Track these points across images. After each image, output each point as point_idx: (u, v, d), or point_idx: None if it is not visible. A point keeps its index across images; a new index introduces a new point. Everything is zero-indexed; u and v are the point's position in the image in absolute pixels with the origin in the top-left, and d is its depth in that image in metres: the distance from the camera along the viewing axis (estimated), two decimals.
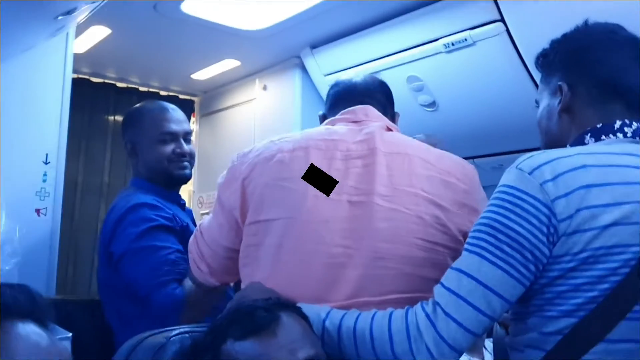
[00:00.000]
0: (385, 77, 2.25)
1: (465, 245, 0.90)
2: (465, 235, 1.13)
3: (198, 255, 1.25)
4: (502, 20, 1.77)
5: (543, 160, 0.88)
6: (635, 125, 0.97)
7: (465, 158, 2.36)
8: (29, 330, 0.58)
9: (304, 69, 2.55)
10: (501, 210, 0.87)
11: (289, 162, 1.09)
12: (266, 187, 1.09)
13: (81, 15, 1.53)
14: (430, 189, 1.09)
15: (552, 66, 1.06)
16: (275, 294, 0.99)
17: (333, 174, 1.07)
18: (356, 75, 1.34)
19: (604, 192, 0.84)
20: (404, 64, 2.12)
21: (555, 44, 1.06)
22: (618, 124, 0.97)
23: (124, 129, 1.75)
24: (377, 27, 2.13)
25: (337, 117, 1.22)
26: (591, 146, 0.95)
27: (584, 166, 0.86)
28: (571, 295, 0.85)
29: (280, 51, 2.51)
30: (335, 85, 1.33)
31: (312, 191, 1.05)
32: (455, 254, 1.10)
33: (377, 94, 1.30)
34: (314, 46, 2.41)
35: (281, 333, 0.84)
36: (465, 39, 1.87)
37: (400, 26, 2.05)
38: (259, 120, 2.82)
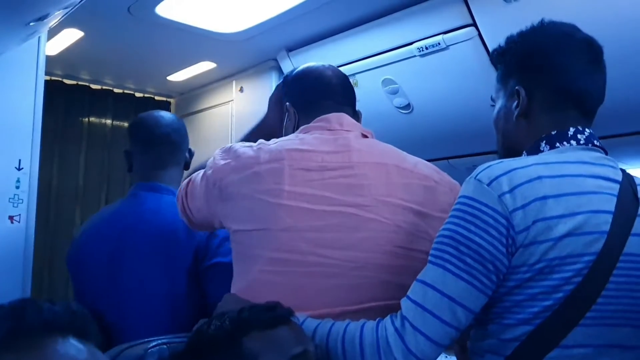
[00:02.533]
0: (360, 79, 2.28)
1: (430, 257, 0.91)
2: None
3: (184, 209, 1.31)
4: (475, 24, 1.80)
5: (500, 171, 0.89)
6: (587, 131, 0.99)
7: (441, 159, 2.43)
8: (67, 346, 0.58)
9: (280, 71, 2.55)
10: (462, 222, 0.88)
11: (265, 174, 1.09)
12: (243, 198, 1.09)
13: (54, 20, 1.51)
14: (409, 196, 1.10)
15: (509, 67, 1.06)
16: (250, 304, 1.00)
17: (308, 185, 1.07)
18: (328, 68, 1.31)
19: (558, 204, 0.86)
20: (379, 67, 2.13)
21: (512, 43, 1.07)
22: (572, 131, 0.99)
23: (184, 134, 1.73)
24: (353, 31, 2.14)
25: (311, 125, 1.21)
26: (546, 155, 0.97)
27: (539, 177, 0.88)
28: (528, 304, 0.87)
29: (257, 54, 2.51)
30: (307, 77, 1.30)
31: (287, 202, 1.06)
32: None
33: (352, 97, 1.30)
34: (290, 49, 2.41)
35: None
36: (439, 43, 1.89)
37: (375, 30, 2.06)
38: (236, 122, 2.82)
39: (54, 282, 2.84)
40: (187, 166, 1.72)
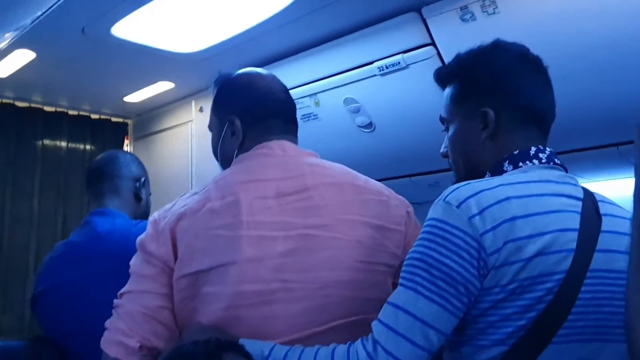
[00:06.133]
0: (322, 98, 2.28)
1: (400, 280, 0.91)
2: (404, 252, 1.14)
3: (121, 332, 1.05)
4: (433, 44, 1.82)
5: (469, 193, 0.89)
6: (548, 150, 1.01)
7: (403, 176, 2.44)
8: None
9: None
10: (433, 245, 0.88)
11: (220, 209, 1.05)
12: (196, 237, 1.04)
13: (3, 42, 1.46)
14: (365, 211, 1.10)
15: (469, 87, 1.05)
16: (216, 333, 0.97)
17: (266, 213, 1.05)
18: (273, 79, 1.24)
19: (526, 224, 0.86)
20: (341, 86, 2.14)
21: (470, 64, 1.06)
22: (533, 150, 1.00)
23: (137, 164, 1.76)
24: (313, 50, 2.14)
25: (250, 153, 1.16)
26: (511, 175, 0.97)
27: (507, 198, 0.88)
28: (502, 324, 0.87)
29: (216, 73, 2.47)
30: (256, 89, 1.21)
31: (246, 232, 1.03)
32: (394, 271, 1.12)
33: (295, 112, 1.25)
34: None
35: None
36: (399, 62, 1.91)
37: (335, 49, 2.07)
38: (196, 142, 2.78)
39: (8, 316, 2.71)
40: (138, 197, 1.72)
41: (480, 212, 0.86)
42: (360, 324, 1.01)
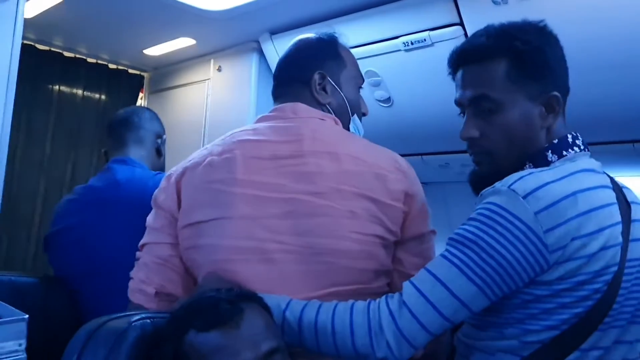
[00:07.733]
0: None
1: (445, 253, 0.90)
2: (400, 226, 1.12)
3: (141, 281, 1.14)
4: (462, 24, 1.82)
5: (535, 185, 0.87)
6: (579, 136, 1.00)
7: (414, 154, 2.45)
8: None
9: (261, 53, 2.52)
10: (490, 230, 0.86)
11: (218, 164, 1.11)
12: (196, 190, 1.11)
13: None
14: (361, 184, 1.10)
15: (541, 68, 0.98)
16: (235, 284, 1.00)
17: (261, 173, 1.09)
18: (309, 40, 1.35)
19: (589, 221, 0.86)
20: (363, 58, 2.12)
21: (535, 39, 0.98)
22: (570, 137, 0.99)
23: (159, 122, 1.84)
24: (338, 20, 2.13)
25: (267, 114, 1.23)
26: (565, 166, 0.95)
27: (573, 194, 0.87)
28: (557, 311, 0.88)
29: (239, 34, 2.48)
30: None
31: (240, 190, 1.07)
32: (388, 243, 1.11)
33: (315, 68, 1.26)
34: (274, 32, 2.39)
35: (244, 325, 0.84)
36: (425, 39, 1.91)
37: (361, 21, 2.06)
38: (212, 101, 2.78)
39: (12, 253, 2.75)
40: (159, 152, 1.79)
41: (548, 208, 0.85)
42: (357, 292, 1.03)
